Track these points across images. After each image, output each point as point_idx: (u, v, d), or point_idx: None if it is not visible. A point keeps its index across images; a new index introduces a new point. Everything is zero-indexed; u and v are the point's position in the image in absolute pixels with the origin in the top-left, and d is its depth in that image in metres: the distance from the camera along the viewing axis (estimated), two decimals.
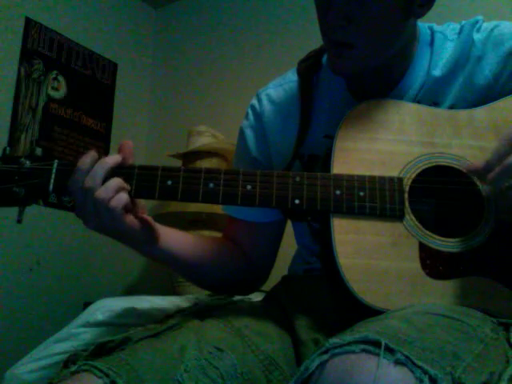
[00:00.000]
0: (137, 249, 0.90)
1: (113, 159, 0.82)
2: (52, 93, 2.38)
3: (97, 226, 0.82)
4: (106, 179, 0.80)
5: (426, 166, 0.83)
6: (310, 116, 0.97)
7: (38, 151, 0.85)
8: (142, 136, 2.77)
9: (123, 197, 0.80)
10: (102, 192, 0.79)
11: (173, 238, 0.94)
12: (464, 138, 0.85)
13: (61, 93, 2.42)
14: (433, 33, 0.95)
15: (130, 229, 0.84)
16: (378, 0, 0.80)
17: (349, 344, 0.56)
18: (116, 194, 0.80)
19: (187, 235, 1.00)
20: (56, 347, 1.18)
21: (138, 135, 2.73)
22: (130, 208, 0.83)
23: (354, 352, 0.55)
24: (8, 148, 0.85)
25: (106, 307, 1.22)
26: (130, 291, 2.52)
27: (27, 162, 0.83)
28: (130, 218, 0.83)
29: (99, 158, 0.82)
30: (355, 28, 0.82)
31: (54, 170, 0.83)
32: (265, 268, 1.08)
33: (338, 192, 0.81)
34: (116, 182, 0.80)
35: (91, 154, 0.82)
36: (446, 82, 0.92)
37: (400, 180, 0.82)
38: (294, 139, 0.97)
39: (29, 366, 1.17)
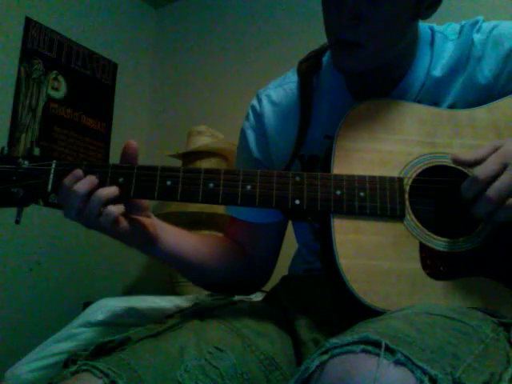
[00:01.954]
0: (136, 248, 0.90)
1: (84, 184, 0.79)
2: (52, 93, 2.38)
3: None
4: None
5: (427, 166, 0.83)
6: (310, 116, 0.97)
7: (36, 151, 0.84)
8: (142, 136, 2.76)
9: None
10: (82, 218, 0.80)
11: (174, 238, 0.93)
12: (465, 138, 0.85)
13: (61, 93, 2.42)
14: (433, 33, 0.96)
15: (125, 233, 0.83)
16: (390, 0, 0.81)
17: (349, 344, 0.56)
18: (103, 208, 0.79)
19: (189, 235, 0.99)
20: (56, 347, 1.18)
21: (138, 135, 2.73)
22: (124, 214, 0.82)
23: (354, 352, 0.55)
24: (6, 148, 0.83)
25: (106, 307, 1.21)
26: (130, 291, 2.52)
27: (25, 163, 0.82)
28: (124, 224, 0.82)
29: (85, 174, 0.80)
30: (365, 28, 0.82)
31: (52, 171, 0.82)
32: (266, 268, 1.08)
33: (338, 192, 0.81)
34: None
35: (77, 174, 0.80)
36: (446, 83, 0.92)
37: (400, 180, 0.82)
38: (294, 139, 0.97)
39: (29, 365, 1.17)
